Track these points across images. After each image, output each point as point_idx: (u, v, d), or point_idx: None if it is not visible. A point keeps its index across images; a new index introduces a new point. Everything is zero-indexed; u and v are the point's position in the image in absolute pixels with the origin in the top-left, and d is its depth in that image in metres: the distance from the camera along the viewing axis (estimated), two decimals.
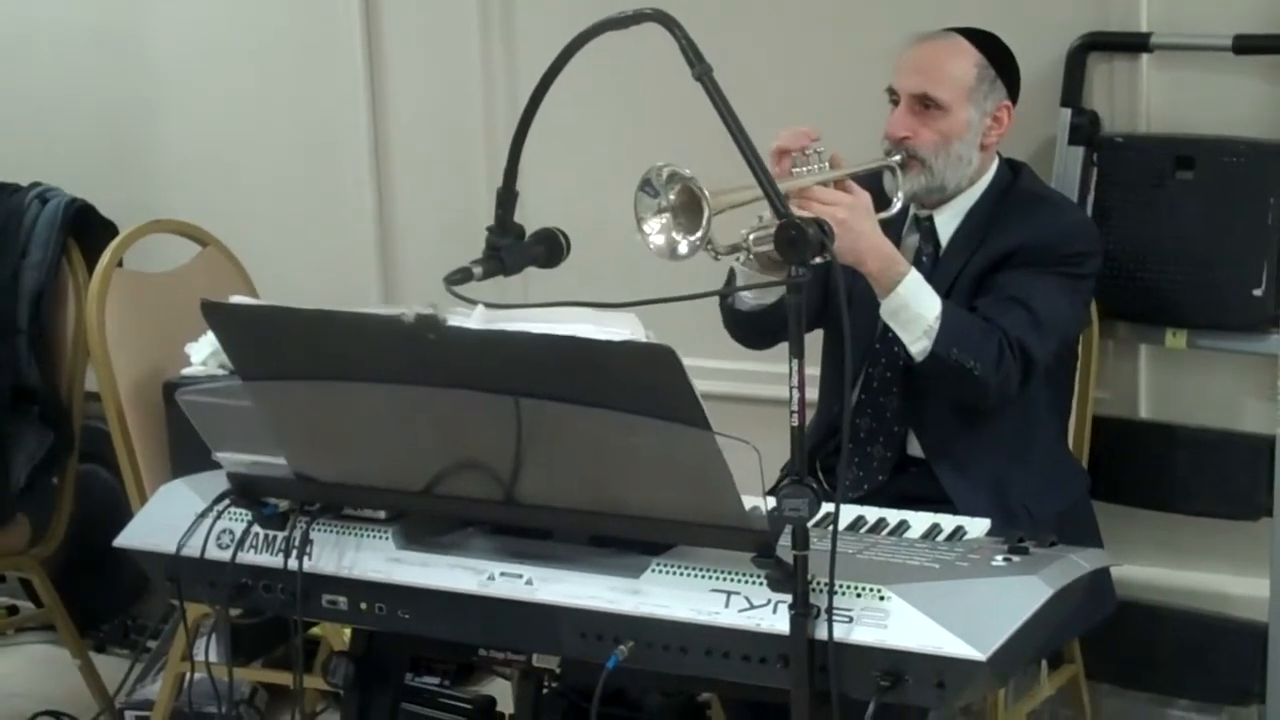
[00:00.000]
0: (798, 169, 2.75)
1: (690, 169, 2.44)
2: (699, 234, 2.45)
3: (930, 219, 3.05)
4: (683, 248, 2.47)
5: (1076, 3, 3.39)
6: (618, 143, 3.87)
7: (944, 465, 2.97)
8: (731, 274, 2.91)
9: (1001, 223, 3.00)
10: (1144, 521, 3.39)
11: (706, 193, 2.43)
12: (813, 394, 3.09)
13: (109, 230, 3.94)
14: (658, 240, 2.48)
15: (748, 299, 2.97)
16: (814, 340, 2.99)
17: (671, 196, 2.46)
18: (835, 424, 3.07)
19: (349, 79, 4.20)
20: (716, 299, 3.01)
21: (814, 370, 2.94)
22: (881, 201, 2.93)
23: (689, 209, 2.45)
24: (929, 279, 2.93)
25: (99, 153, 4.51)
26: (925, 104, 2.96)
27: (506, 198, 2.39)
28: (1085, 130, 3.36)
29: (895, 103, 3.00)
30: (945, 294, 2.93)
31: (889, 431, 3.04)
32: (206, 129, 4.43)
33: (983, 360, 2.80)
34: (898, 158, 2.96)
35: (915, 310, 2.80)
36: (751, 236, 2.62)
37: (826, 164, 2.78)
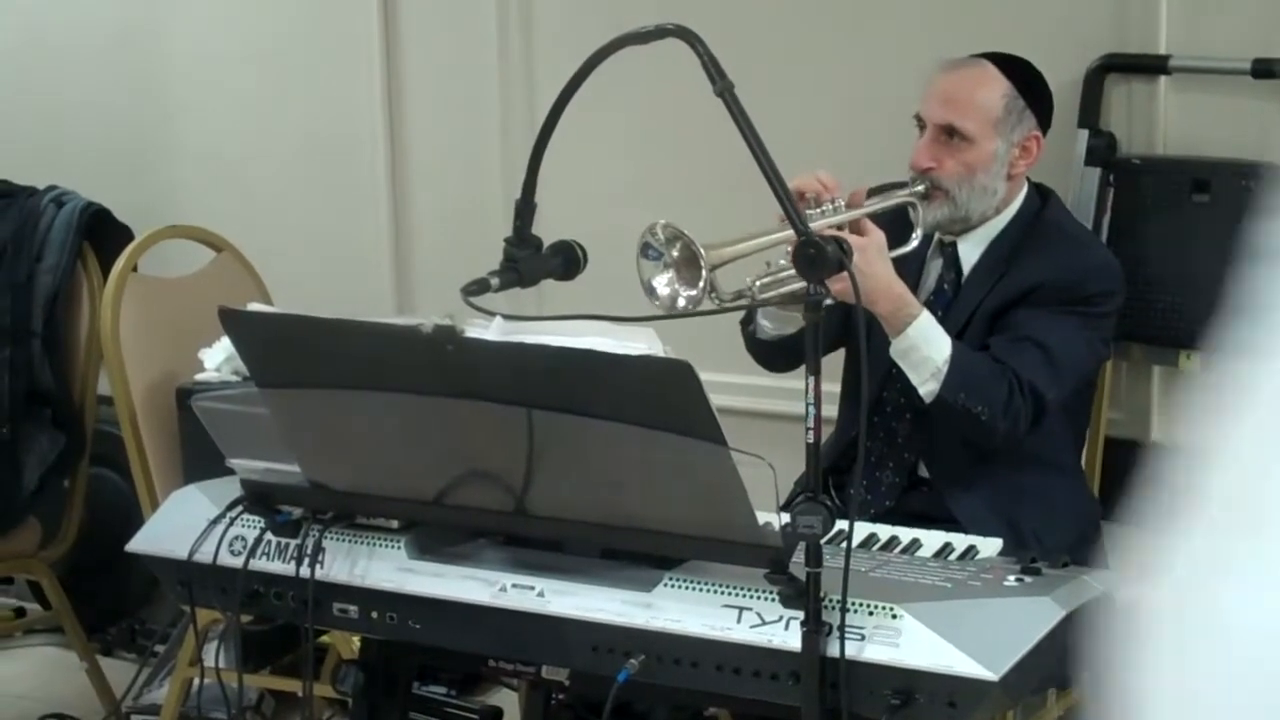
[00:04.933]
0: (811, 210, 2.71)
1: (688, 226, 2.42)
2: (696, 290, 2.43)
3: (954, 245, 3.04)
4: (681, 302, 2.45)
5: (1095, 24, 3.39)
6: (636, 157, 3.87)
7: (954, 493, 2.96)
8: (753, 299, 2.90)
9: (1025, 255, 2.97)
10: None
11: (702, 249, 2.41)
12: (831, 412, 3.09)
13: (124, 234, 3.94)
14: (664, 292, 2.47)
15: (768, 329, 2.95)
16: (835, 360, 3.00)
17: (674, 253, 2.45)
18: (851, 444, 3.06)
19: (366, 87, 4.21)
20: (737, 319, 3.00)
21: (833, 387, 2.93)
22: (904, 229, 2.91)
23: (689, 263, 2.44)
24: (948, 307, 2.93)
25: (115, 157, 4.51)
26: (950, 134, 2.93)
27: (525, 209, 2.39)
28: (1102, 152, 3.36)
29: (922, 128, 2.97)
30: (964, 322, 2.93)
31: (899, 458, 3.03)
32: (223, 134, 4.44)
33: (990, 405, 2.79)
34: (921, 188, 2.93)
35: (925, 353, 2.79)
36: (757, 284, 2.59)
37: (841, 204, 2.75)
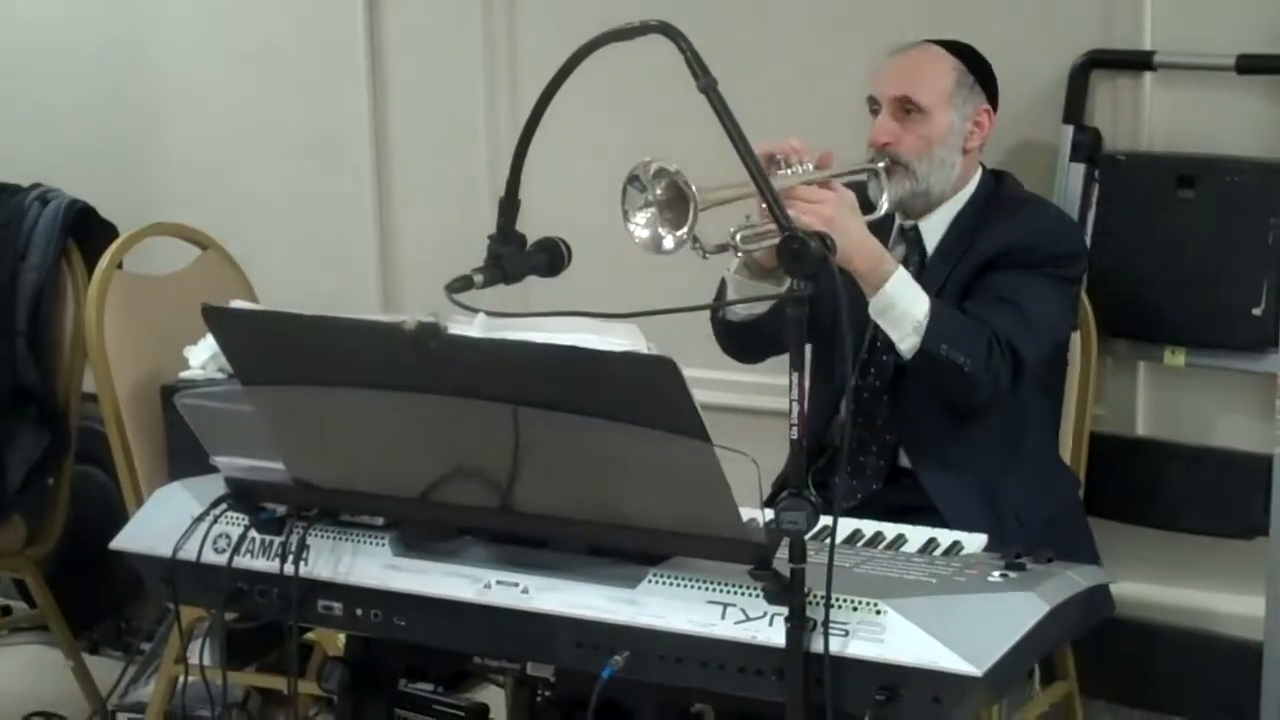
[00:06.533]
0: (782, 170, 2.75)
1: (677, 165, 2.43)
2: (685, 229, 2.45)
3: (915, 228, 3.06)
4: (668, 242, 2.47)
5: (1080, 20, 3.39)
6: (620, 152, 3.82)
7: (932, 474, 2.97)
8: (723, 285, 2.92)
9: (986, 228, 3.01)
10: (1139, 538, 3.39)
11: (693, 188, 2.43)
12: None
13: (109, 232, 3.94)
14: (643, 234, 2.49)
15: (739, 311, 2.97)
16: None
17: (659, 191, 2.47)
18: (824, 436, 3.07)
19: (352, 84, 4.21)
20: (718, 308, 3.01)
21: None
22: (868, 209, 2.93)
23: (676, 205, 2.46)
24: None
25: (100, 155, 4.51)
26: (906, 109, 2.98)
27: (509, 206, 2.39)
28: (1087, 147, 3.37)
29: (875, 111, 3.02)
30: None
31: (881, 440, 3.05)
32: (209, 132, 4.43)
33: (973, 357, 2.81)
34: (881, 165, 2.98)
35: (903, 307, 2.81)
36: (739, 235, 2.62)
37: (811, 166, 2.78)
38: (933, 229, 3.06)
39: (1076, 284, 3.04)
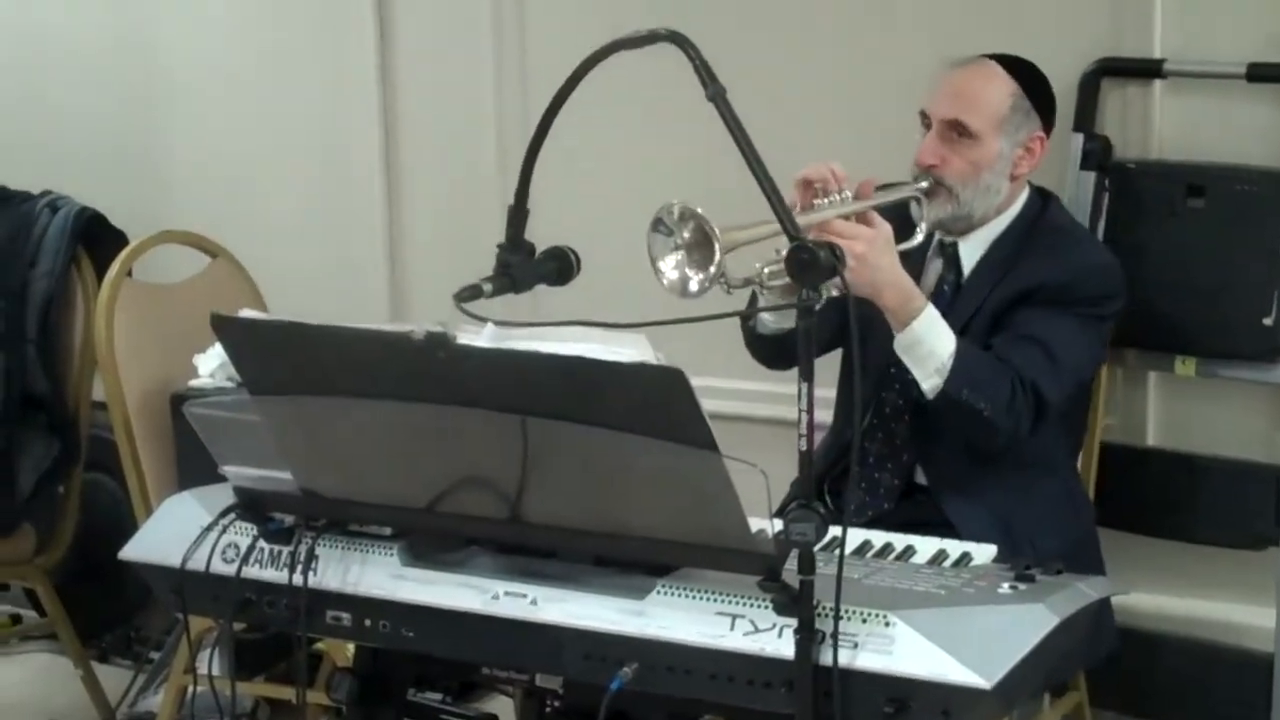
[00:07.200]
0: (819, 200, 2.72)
1: (702, 206, 2.40)
2: (710, 271, 2.40)
3: (955, 246, 3.04)
4: (693, 285, 2.42)
5: (1091, 28, 3.39)
6: (631, 161, 3.87)
7: (950, 497, 2.96)
8: (753, 297, 2.88)
9: (1026, 257, 2.97)
10: (1150, 549, 3.38)
11: (717, 230, 2.39)
12: (827, 415, 3.08)
13: (119, 240, 3.94)
14: (671, 276, 2.44)
15: (769, 322, 2.95)
16: (833, 360, 2.99)
17: (685, 235, 2.41)
18: (847, 447, 3.05)
19: (362, 92, 4.21)
20: (730, 324, 2.99)
21: (829, 392, 2.93)
22: (908, 228, 2.91)
23: (701, 246, 2.41)
24: (949, 307, 2.92)
25: (111, 162, 4.51)
26: (957, 131, 2.94)
27: (518, 215, 2.39)
28: (1097, 155, 3.36)
29: (927, 126, 2.98)
30: (964, 324, 2.92)
31: (898, 459, 3.03)
32: (219, 141, 4.44)
33: (994, 403, 2.79)
34: (925, 184, 2.94)
35: (929, 347, 2.79)
36: (766, 270, 2.58)
37: (850, 195, 2.75)
38: (972, 250, 3.03)
39: (1109, 322, 3.00)
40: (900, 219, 2.90)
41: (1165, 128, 3.36)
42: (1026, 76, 3.00)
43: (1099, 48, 3.37)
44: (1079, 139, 3.36)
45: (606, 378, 2.11)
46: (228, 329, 2.42)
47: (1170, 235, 3.29)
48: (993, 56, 3.02)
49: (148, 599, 4.30)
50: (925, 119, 2.98)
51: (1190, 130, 3.33)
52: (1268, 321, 3.18)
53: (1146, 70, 3.34)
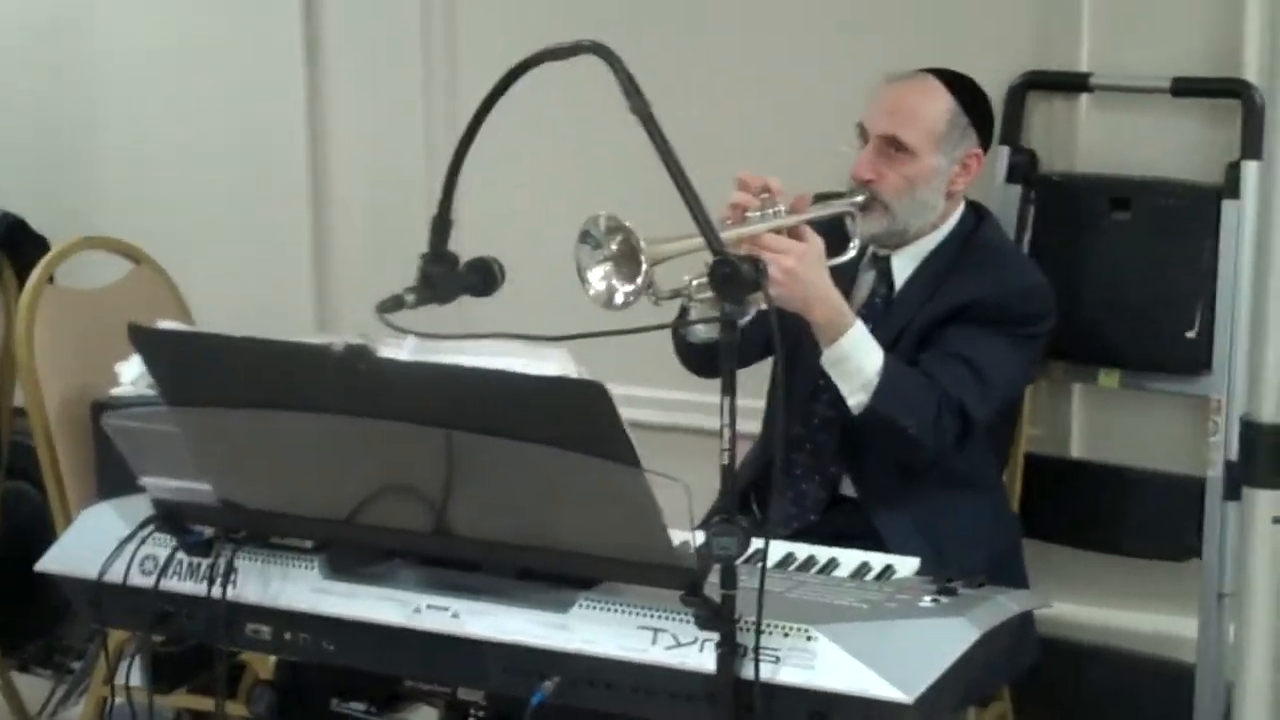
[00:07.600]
0: (752, 213, 2.71)
1: (630, 218, 2.38)
2: (636, 284, 2.39)
3: (888, 259, 3.04)
4: (619, 297, 2.40)
5: (1017, 41, 3.40)
6: (557, 172, 3.86)
7: (878, 509, 2.96)
8: (683, 308, 2.87)
9: (958, 273, 2.98)
10: (1074, 560, 3.39)
11: (644, 243, 2.38)
12: (756, 425, 3.08)
13: (41, 246, 3.91)
14: (598, 288, 2.42)
15: (701, 332, 2.93)
16: (765, 369, 2.98)
17: (613, 246, 2.40)
18: (772, 448, 3.05)
19: (289, 99, 4.18)
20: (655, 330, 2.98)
21: (758, 402, 2.92)
22: (841, 241, 2.90)
23: (629, 258, 2.39)
24: (880, 320, 2.92)
25: (33, 167, 4.46)
26: (894, 146, 2.94)
27: (441, 225, 2.37)
28: (1023, 168, 3.38)
29: (864, 139, 2.98)
30: (894, 338, 2.92)
31: (824, 471, 3.03)
32: (143, 146, 4.39)
33: (920, 420, 2.79)
34: (860, 199, 2.94)
35: (857, 363, 2.79)
36: (694, 282, 2.56)
37: (784, 209, 2.74)
38: (904, 264, 3.03)
39: (1039, 341, 3.01)
40: (835, 233, 2.89)
41: (1091, 141, 3.38)
42: (965, 93, 3.00)
43: (1026, 61, 3.39)
44: (1005, 152, 3.38)
45: (526, 391, 2.10)
46: (145, 339, 2.39)
47: (1095, 248, 3.30)
48: (932, 71, 3.02)
49: (70, 609, 4.25)
50: (862, 132, 2.98)
51: (1116, 144, 3.35)
52: (1191, 334, 3.21)
53: (1073, 84, 3.36)
